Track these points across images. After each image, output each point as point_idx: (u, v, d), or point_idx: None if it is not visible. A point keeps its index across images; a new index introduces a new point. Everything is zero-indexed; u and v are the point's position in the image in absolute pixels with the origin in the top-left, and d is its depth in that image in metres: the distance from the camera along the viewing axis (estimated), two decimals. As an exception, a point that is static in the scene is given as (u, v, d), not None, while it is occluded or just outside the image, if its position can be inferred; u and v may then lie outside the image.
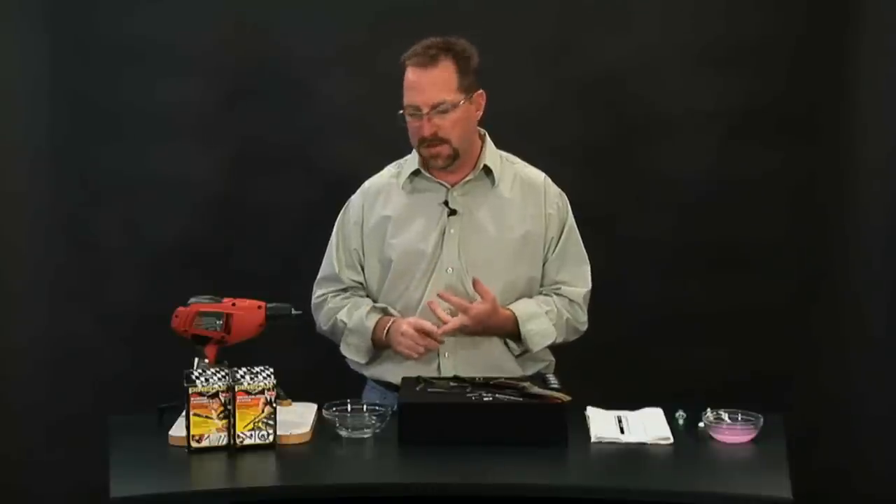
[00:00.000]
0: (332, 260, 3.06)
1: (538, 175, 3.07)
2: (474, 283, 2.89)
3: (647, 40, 3.73)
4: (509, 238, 2.98)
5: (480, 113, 2.97)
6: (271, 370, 2.64)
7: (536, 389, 2.71)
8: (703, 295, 3.81)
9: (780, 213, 3.79)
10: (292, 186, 3.77)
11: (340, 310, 3.01)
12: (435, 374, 2.90)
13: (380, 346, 2.98)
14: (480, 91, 2.94)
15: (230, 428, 2.59)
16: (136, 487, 2.43)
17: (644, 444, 2.66)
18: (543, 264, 3.03)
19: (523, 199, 3.01)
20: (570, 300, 3.04)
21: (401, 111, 2.91)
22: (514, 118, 3.74)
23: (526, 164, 3.08)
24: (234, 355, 2.74)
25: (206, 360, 2.74)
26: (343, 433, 2.69)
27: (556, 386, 2.75)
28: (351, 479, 2.55)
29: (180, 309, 2.75)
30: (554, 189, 3.06)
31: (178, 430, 2.65)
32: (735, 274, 3.80)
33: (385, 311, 2.99)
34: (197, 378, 2.61)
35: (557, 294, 3.03)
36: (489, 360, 2.96)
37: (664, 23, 3.74)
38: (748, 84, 3.73)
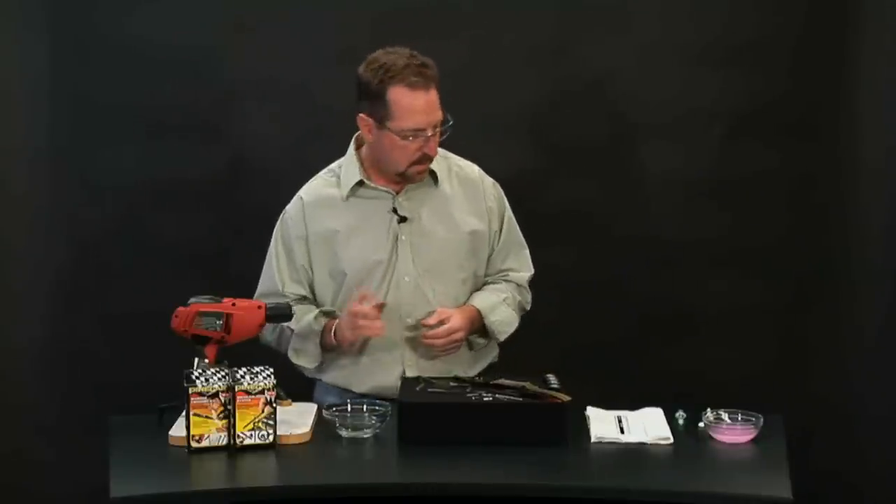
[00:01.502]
0: (275, 275, 2.98)
1: (472, 168, 3.05)
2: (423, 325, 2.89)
3: (646, 40, 3.73)
4: (458, 237, 2.98)
5: None
6: (271, 370, 2.64)
7: (536, 389, 2.71)
8: (703, 295, 3.81)
9: (780, 213, 3.79)
10: (291, 186, 3.76)
11: None
12: (397, 380, 2.89)
13: (328, 349, 2.95)
14: None
15: (230, 428, 2.59)
16: (136, 487, 2.43)
17: (644, 444, 2.66)
18: (489, 256, 3.04)
19: (464, 196, 3.00)
20: (518, 285, 3.07)
21: (406, 136, 2.82)
22: (514, 117, 3.75)
23: (457, 157, 3.05)
24: (234, 355, 2.74)
25: (206, 360, 2.74)
26: (343, 433, 2.68)
27: (556, 386, 2.75)
28: (351, 479, 2.54)
29: (180, 309, 2.75)
30: (489, 181, 3.06)
31: (178, 430, 2.65)
32: (734, 274, 3.80)
33: (332, 315, 2.95)
34: (197, 378, 2.61)
35: (506, 280, 3.06)
36: (445, 363, 2.95)
37: (664, 23, 3.73)
38: (748, 84, 3.72)
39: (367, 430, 2.68)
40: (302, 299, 2.99)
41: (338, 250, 2.95)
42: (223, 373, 2.63)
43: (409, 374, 2.92)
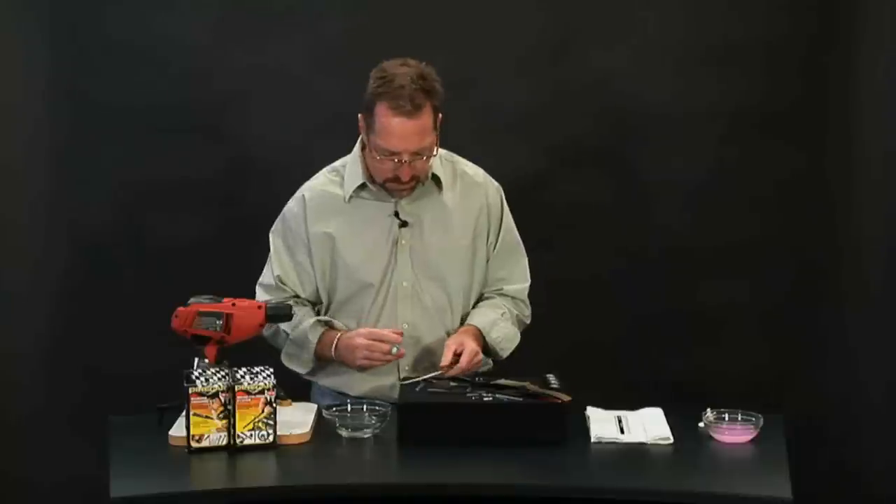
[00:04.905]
0: (276, 268, 2.97)
1: (476, 172, 3.02)
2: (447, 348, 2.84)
3: (646, 40, 3.73)
4: (459, 245, 2.96)
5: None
6: (271, 370, 2.64)
7: (537, 389, 2.71)
8: (703, 294, 3.81)
9: (780, 213, 3.80)
10: (292, 186, 3.76)
11: None
12: (394, 383, 2.88)
13: (324, 360, 2.94)
14: (440, 115, 2.85)
15: (230, 428, 2.59)
16: (136, 487, 2.43)
17: (644, 444, 2.66)
18: (486, 262, 3.02)
19: (467, 200, 2.97)
20: (513, 297, 3.03)
21: (380, 154, 2.79)
22: (514, 118, 3.75)
23: (464, 161, 3.02)
24: (234, 355, 2.74)
25: (206, 360, 2.74)
26: (343, 433, 2.68)
27: (556, 386, 2.75)
28: (351, 479, 2.55)
29: (180, 309, 2.75)
30: (493, 185, 3.03)
31: (178, 430, 2.65)
32: (735, 273, 3.80)
33: (329, 325, 2.94)
34: (197, 378, 2.61)
35: (500, 294, 3.03)
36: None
37: (663, 23, 3.73)
38: (747, 84, 3.73)
39: (367, 430, 2.68)
40: (296, 297, 2.97)
41: (338, 250, 2.93)
42: (223, 373, 2.63)
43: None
